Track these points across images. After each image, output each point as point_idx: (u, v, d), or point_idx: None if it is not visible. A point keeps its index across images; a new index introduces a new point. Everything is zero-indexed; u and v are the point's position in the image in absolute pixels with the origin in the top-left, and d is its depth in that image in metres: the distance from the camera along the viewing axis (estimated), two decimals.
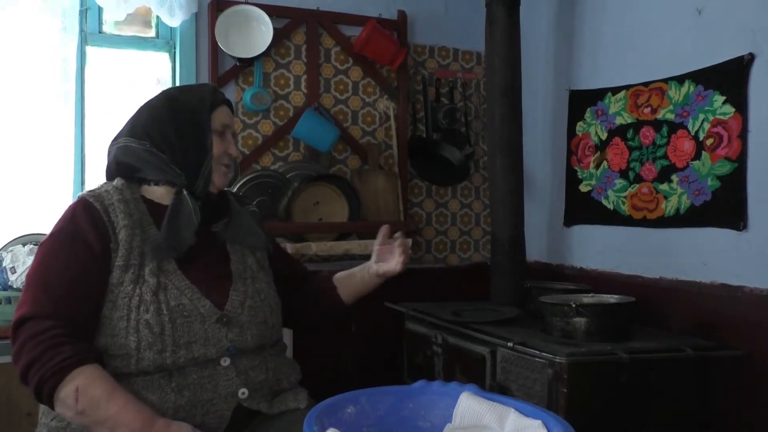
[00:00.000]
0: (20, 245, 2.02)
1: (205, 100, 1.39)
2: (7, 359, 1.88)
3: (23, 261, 1.95)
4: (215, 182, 1.39)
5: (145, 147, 1.35)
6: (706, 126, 1.95)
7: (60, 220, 1.32)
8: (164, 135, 1.34)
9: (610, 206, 2.30)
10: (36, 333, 1.17)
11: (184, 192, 1.35)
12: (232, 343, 1.30)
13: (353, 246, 2.41)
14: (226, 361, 1.29)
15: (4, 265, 1.96)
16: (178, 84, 2.38)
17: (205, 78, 2.38)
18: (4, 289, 1.96)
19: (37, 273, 1.26)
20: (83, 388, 1.15)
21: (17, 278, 1.94)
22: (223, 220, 1.42)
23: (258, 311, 1.36)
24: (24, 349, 1.18)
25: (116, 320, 1.24)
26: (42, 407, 1.29)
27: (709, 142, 1.94)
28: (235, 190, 2.28)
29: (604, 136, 2.33)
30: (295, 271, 1.63)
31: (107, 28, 2.35)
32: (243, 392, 1.28)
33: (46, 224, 2.14)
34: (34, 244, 2.04)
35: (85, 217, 1.28)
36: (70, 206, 1.33)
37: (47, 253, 1.27)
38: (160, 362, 1.23)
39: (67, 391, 1.15)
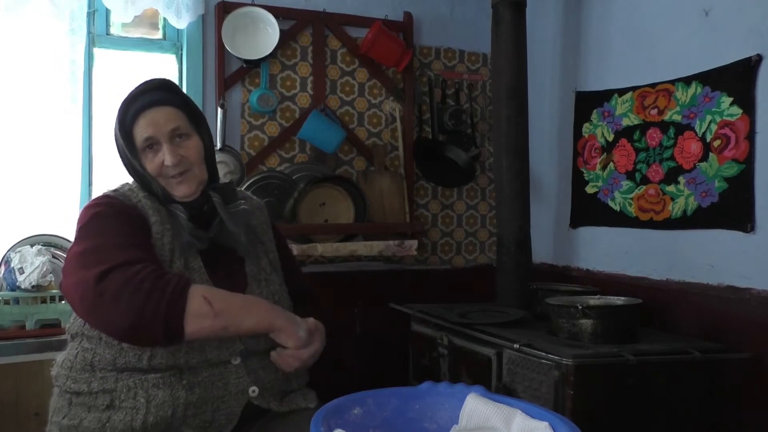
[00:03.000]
0: (28, 246, 2.03)
1: (125, 120, 1.31)
2: (14, 359, 1.89)
3: (31, 262, 1.96)
4: (175, 194, 1.33)
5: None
6: (713, 127, 1.94)
7: (95, 206, 1.29)
8: (122, 164, 1.37)
9: (617, 208, 2.29)
10: (130, 276, 1.14)
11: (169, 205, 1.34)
12: (246, 346, 1.30)
13: (359, 247, 2.41)
14: (236, 360, 1.29)
15: (12, 265, 1.97)
16: (185, 86, 2.39)
17: (211, 79, 2.39)
18: (12, 290, 1.97)
19: (97, 239, 1.21)
20: (209, 294, 1.18)
21: (25, 279, 1.94)
22: (214, 223, 1.36)
23: None
24: (123, 294, 1.12)
25: None
26: (52, 406, 1.29)
27: (716, 143, 1.93)
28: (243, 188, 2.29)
29: (610, 137, 2.32)
30: (295, 293, 1.52)
31: (115, 30, 2.37)
32: (253, 390, 1.29)
33: (53, 225, 2.15)
34: (42, 245, 2.05)
35: (120, 203, 1.29)
36: (98, 197, 1.33)
37: (97, 224, 1.25)
38: (172, 362, 1.23)
39: (197, 303, 1.16)
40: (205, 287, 1.22)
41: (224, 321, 1.18)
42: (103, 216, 1.27)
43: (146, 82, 1.34)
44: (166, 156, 1.30)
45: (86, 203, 1.35)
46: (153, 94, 1.32)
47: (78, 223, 1.29)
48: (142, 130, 1.30)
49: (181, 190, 1.33)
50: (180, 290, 1.16)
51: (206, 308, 1.16)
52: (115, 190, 1.35)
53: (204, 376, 1.25)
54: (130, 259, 1.18)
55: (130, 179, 1.39)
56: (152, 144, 1.31)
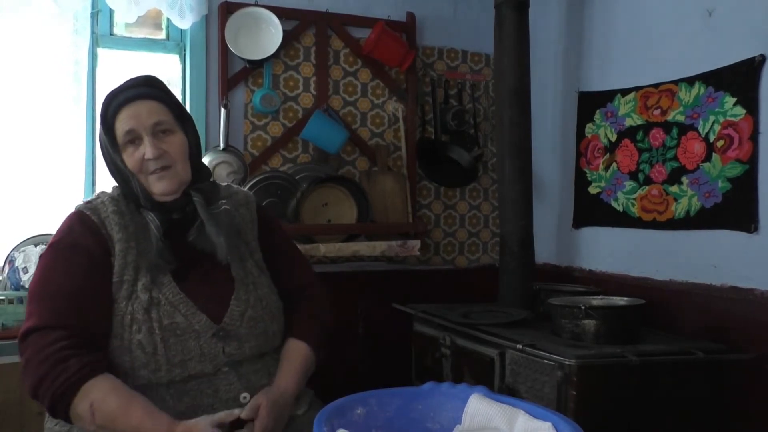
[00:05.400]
0: (32, 245, 2.04)
1: (106, 115, 1.28)
2: (18, 359, 1.89)
3: (35, 261, 1.97)
4: (155, 191, 1.28)
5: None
6: (717, 128, 1.94)
7: (57, 232, 1.29)
8: (105, 165, 1.34)
9: (620, 208, 2.29)
10: (40, 347, 1.15)
11: (141, 209, 1.30)
12: (230, 357, 1.27)
13: (362, 247, 2.41)
14: (225, 367, 1.27)
15: (16, 265, 1.98)
16: (188, 86, 2.39)
17: (214, 80, 2.39)
18: (16, 289, 1.98)
19: (38, 285, 1.23)
20: (98, 403, 1.13)
21: (29, 278, 1.95)
22: (194, 226, 1.32)
23: (258, 322, 1.32)
24: (30, 365, 1.16)
25: (110, 338, 1.22)
26: (47, 413, 1.28)
27: (719, 143, 1.93)
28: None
29: (613, 137, 2.32)
30: (288, 289, 1.47)
31: (118, 31, 2.37)
32: (245, 396, 1.26)
33: (57, 225, 2.15)
34: (46, 245, 2.05)
35: (82, 227, 1.26)
36: (66, 218, 1.31)
37: (47, 264, 1.25)
38: (155, 380, 1.22)
39: (82, 407, 1.13)
40: (102, 389, 1.14)
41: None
42: (56, 252, 1.26)
43: (130, 79, 1.31)
44: (147, 149, 1.25)
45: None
46: (136, 89, 1.28)
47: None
48: (123, 124, 1.26)
49: (161, 187, 1.27)
50: (70, 386, 1.12)
51: (88, 417, 1.13)
52: (88, 202, 1.32)
53: (192, 384, 1.24)
54: (52, 322, 1.17)
55: (112, 184, 1.36)
56: (133, 138, 1.26)
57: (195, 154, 1.35)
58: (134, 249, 1.26)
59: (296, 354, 1.38)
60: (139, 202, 1.29)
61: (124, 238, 1.26)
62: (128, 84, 1.30)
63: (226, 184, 1.49)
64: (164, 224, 1.28)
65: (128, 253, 1.25)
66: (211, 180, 1.43)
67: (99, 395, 1.13)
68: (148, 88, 1.30)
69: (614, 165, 2.31)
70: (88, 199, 1.34)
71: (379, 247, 2.43)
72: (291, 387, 1.32)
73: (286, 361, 1.36)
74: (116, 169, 1.30)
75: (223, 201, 1.36)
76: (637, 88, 2.23)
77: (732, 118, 1.89)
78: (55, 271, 1.24)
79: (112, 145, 1.28)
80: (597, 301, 1.89)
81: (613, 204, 2.32)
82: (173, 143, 1.29)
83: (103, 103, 1.30)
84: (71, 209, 1.33)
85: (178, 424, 1.14)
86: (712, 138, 1.95)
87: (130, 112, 1.26)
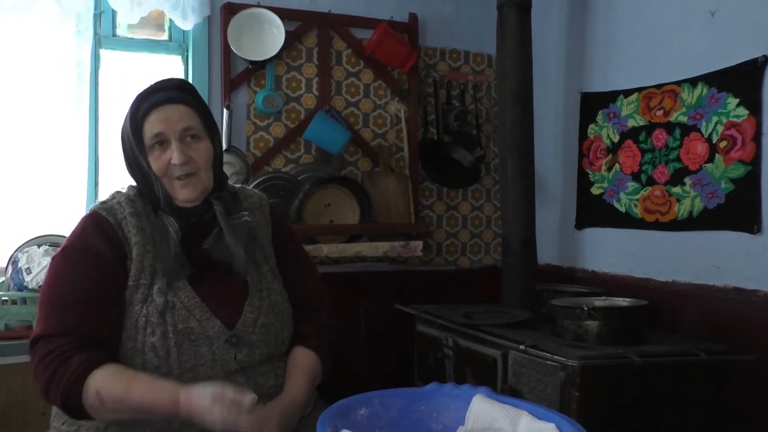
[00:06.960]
0: (35, 246, 2.05)
1: (136, 116, 1.26)
2: (22, 359, 1.90)
3: (38, 262, 1.97)
4: (177, 197, 1.28)
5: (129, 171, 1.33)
6: (720, 128, 1.93)
7: (71, 235, 1.28)
8: (125, 164, 1.33)
9: (622, 209, 2.29)
10: (46, 353, 1.16)
11: (158, 211, 1.29)
12: (241, 364, 1.28)
13: (364, 248, 2.41)
14: (235, 373, 1.27)
15: (19, 265, 1.98)
16: None
17: (217, 81, 2.40)
18: (20, 290, 1.98)
19: (48, 290, 1.24)
20: (103, 390, 1.14)
21: (32, 279, 1.96)
22: (211, 234, 1.31)
23: (270, 329, 1.32)
24: (38, 371, 1.17)
25: (123, 340, 1.22)
26: (54, 411, 1.29)
27: (722, 144, 1.93)
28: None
29: (616, 138, 2.32)
30: (297, 297, 1.46)
31: (121, 32, 2.38)
32: (253, 398, 1.26)
33: (60, 225, 2.16)
34: (49, 245, 2.06)
35: (96, 231, 1.25)
36: (81, 219, 1.30)
37: (57, 269, 1.25)
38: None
39: (91, 398, 1.14)
40: (104, 376, 1.15)
41: (124, 415, 1.16)
42: (66, 256, 1.25)
43: (164, 80, 1.30)
44: (174, 154, 1.24)
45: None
46: (169, 92, 1.27)
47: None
48: (152, 126, 1.25)
49: (184, 194, 1.27)
50: (74, 380, 1.14)
51: (98, 404, 1.14)
52: (103, 202, 1.30)
53: (202, 383, 1.22)
54: (57, 330, 1.18)
55: (130, 183, 1.35)
56: (161, 141, 1.25)
57: (218, 162, 1.35)
58: (151, 252, 1.25)
59: (304, 362, 1.38)
60: (157, 203, 1.29)
61: (141, 242, 1.25)
62: (160, 86, 1.28)
63: (240, 186, 1.49)
64: (183, 229, 1.28)
65: (145, 257, 1.25)
66: (230, 183, 1.41)
67: (103, 382, 1.14)
68: (180, 92, 1.29)
69: (617, 166, 2.31)
70: (104, 199, 1.32)
71: (381, 247, 2.44)
72: (300, 396, 1.32)
73: (294, 369, 1.36)
74: (139, 169, 1.29)
75: (245, 213, 1.35)
76: (639, 89, 2.23)
77: (735, 119, 1.89)
78: (64, 278, 1.23)
79: (138, 146, 1.27)
80: (599, 302, 1.89)
81: (616, 205, 2.32)
82: (200, 150, 1.28)
83: (133, 103, 1.28)
84: (74, 210, 1.33)
85: (181, 391, 1.13)
86: (714, 139, 1.95)
87: (161, 115, 1.25)
